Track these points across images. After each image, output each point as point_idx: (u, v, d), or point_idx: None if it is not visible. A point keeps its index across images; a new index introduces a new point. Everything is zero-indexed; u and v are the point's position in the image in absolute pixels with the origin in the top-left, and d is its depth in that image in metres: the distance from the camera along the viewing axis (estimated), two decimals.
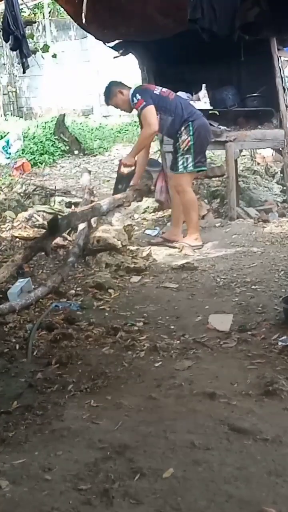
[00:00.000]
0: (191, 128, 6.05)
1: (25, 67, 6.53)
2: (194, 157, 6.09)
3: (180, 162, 6.14)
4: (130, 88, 6.22)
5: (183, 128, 6.07)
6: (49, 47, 10.87)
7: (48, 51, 10.49)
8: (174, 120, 6.07)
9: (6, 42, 6.38)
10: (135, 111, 6.40)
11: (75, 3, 5.90)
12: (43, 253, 5.44)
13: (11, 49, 6.54)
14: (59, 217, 5.82)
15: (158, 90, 6.20)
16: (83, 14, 5.81)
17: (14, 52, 16.46)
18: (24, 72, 6.71)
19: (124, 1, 6.39)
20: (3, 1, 6.35)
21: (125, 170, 6.36)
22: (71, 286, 5.01)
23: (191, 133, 6.06)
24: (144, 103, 5.97)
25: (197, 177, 7.71)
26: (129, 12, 6.31)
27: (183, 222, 6.45)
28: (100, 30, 6.98)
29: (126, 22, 6.50)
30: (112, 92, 6.28)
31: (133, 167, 6.36)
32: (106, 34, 7.22)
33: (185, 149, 6.08)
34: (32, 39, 13.51)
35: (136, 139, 6.96)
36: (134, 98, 6.03)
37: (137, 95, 6.03)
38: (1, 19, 6.68)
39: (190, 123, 6.06)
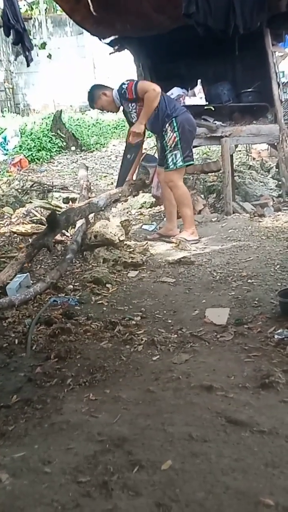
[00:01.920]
0: (175, 124, 6.07)
1: (28, 60, 6.53)
2: (182, 152, 6.11)
3: (170, 159, 6.15)
4: (112, 88, 6.21)
5: (167, 125, 6.09)
6: (46, 44, 10.86)
7: (45, 48, 10.49)
8: (158, 115, 6.07)
9: (7, 36, 6.37)
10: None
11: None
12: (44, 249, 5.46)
13: (13, 43, 6.53)
14: (57, 212, 5.83)
15: None
16: (92, 8, 5.81)
17: (11, 49, 16.55)
18: (28, 66, 6.71)
19: None
20: None
21: (133, 139, 6.35)
22: (69, 281, 5.04)
23: (175, 129, 6.07)
24: (134, 82, 6.05)
25: (193, 172, 7.75)
26: (124, 9, 6.32)
27: (179, 217, 6.47)
28: (95, 26, 7.00)
29: (122, 18, 6.51)
30: (95, 95, 6.30)
31: (142, 137, 6.35)
32: (102, 30, 7.24)
33: (173, 145, 6.10)
34: (30, 34, 13.52)
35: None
36: (123, 86, 6.02)
37: (124, 83, 6.05)
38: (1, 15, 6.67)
39: (173, 119, 6.07)
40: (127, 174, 6.62)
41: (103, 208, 6.07)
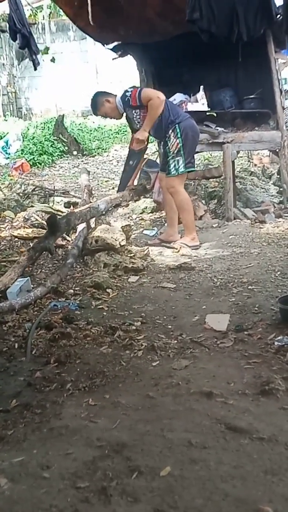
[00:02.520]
0: (178, 130, 6.07)
1: (35, 64, 6.53)
2: (184, 158, 6.11)
3: (172, 165, 6.16)
4: (115, 95, 6.22)
5: (170, 131, 6.09)
6: (48, 48, 10.87)
7: (47, 53, 10.50)
8: (161, 121, 6.08)
9: (14, 41, 6.38)
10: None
11: (74, 5, 5.93)
12: (45, 253, 5.46)
13: (20, 47, 6.52)
14: (58, 215, 5.83)
15: None
16: (90, 16, 5.82)
17: (14, 53, 16.59)
18: (35, 69, 6.72)
19: (123, 3, 6.41)
20: (5, 1, 6.34)
21: (136, 146, 6.36)
22: (70, 286, 5.04)
23: (178, 135, 6.08)
24: (138, 89, 6.04)
25: (195, 177, 7.75)
26: (128, 14, 6.34)
27: (180, 222, 6.47)
28: (99, 32, 7.01)
29: (125, 24, 6.53)
30: (98, 102, 6.29)
31: (144, 144, 6.36)
32: (105, 36, 7.26)
33: (175, 151, 6.11)
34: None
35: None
36: (127, 94, 6.02)
37: (128, 90, 6.06)
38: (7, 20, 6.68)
39: (176, 125, 6.07)
40: (128, 180, 6.64)
41: (103, 213, 6.08)
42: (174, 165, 6.15)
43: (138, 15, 6.74)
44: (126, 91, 6.07)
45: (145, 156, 7.15)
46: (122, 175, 6.84)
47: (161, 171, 6.57)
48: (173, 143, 6.11)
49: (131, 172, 6.62)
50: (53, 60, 10.99)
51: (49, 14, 17.12)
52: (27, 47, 6.26)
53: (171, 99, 7.13)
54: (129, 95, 6.00)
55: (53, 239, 5.34)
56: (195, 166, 6.57)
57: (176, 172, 6.16)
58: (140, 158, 6.55)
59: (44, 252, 5.30)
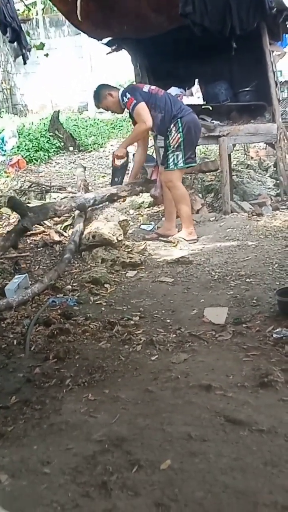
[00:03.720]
0: (180, 124, 6.06)
1: (25, 58, 6.51)
2: (184, 153, 6.11)
3: (171, 159, 6.16)
4: (119, 89, 6.23)
5: (172, 125, 6.09)
6: (44, 45, 10.84)
7: (42, 49, 10.47)
8: (164, 117, 6.08)
9: (4, 34, 6.35)
10: (126, 112, 6.42)
11: (68, 1, 5.91)
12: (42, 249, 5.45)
13: (9, 41, 6.49)
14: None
15: (147, 88, 6.21)
16: (78, 12, 5.80)
17: (8, 49, 16.53)
18: (25, 63, 6.70)
19: None
20: None
21: (118, 162, 6.41)
22: (68, 282, 5.04)
23: (180, 130, 6.07)
24: (135, 101, 5.98)
25: (191, 171, 7.75)
26: (122, 10, 6.33)
27: (177, 217, 6.48)
28: (93, 28, 6.99)
29: (120, 20, 6.52)
30: (101, 95, 6.29)
31: (125, 158, 6.39)
32: (99, 32, 7.24)
33: (175, 146, 6.10)
34: (28, 35, 13.53)
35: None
36: (124, 98, 6.04)
37: (127, 94, 6.04)
38: None
39: (178, 119, 6.07)
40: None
41: (91, 206, 6.10)
42: (173, 160, 6.15)
43: (132, 10, 6.72)
44: (125, 94, 6.06)
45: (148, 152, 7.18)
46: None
47: (162, 165, 6.56)
48: (174, 137, 6.10)
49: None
50: (46, 55, 10.94)
51: (43, 9, 17.06)
52: (17, 41, 6.24)
53: None
54: (126, 100, 6.01)
55: (28, 220, 5.29)
56: (196, 162, 6.53)
57: (175, 166, 6.16)
58: (123, 173, 6.61)
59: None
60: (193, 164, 6.43)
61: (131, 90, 6.12)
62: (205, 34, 6.43)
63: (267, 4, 6.55)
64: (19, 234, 5.23)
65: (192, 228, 6.31)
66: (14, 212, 6.23)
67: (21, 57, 6.43)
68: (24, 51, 6.31)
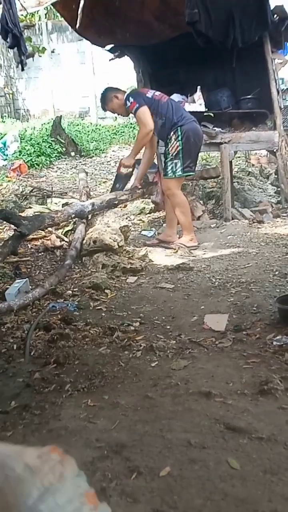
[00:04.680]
0: (179, 133, 6.08)
1: (23, 64, 6.54)
2: (182, 162, 6.11)
3: (169, 167, 6.17)
4: (125, 92, 6.27)
5: (172, 133, 6.10)
6: (45, 49, 10.88)
7: (44, 53, 10.51)
8: (165, 124, 6.10)
9: (5, 40, 6.37)
10: (132, 115, 6.45)
11: (72, 9, 5.93)
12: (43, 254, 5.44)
13: (9, 47, 6.52)
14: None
15: (151, 93, 6.23)
16: (79, 20, 5.82)
17: (12, 54, 16.56)
18: (22, 70, 6.73)
19: (120, 6, 6.41)
20: None
21: (124, 170, 6.47)
22: (68, 287, 5.04)
23: (179, 138, 6.08)
24: (137, 105, 6.01)
25: (193, 178, 7.75)
26: (125, 18, 6.35)
27: (178, 223, 6.48)
28: (96, 36, 7.02)
29: (123, 27, 6.54)
30: (107, 97, 6.35)
31: (131, 169, 6.43)
32: (103, 39, 7.26)
33: (174, 154, 6.11)
34: (30, 41, 13.55)
35: (133, 141, 7.01)
36: (128, 102, 6.08)
37: (130, 98, 6.09)
38: None
39: (179, 128, 6.08)
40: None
41: (90, 213, 6.11)
42: (172, 168, 6.15)
43: (135, 18, 6.74)
44: (128, 98, 6.11)
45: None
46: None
47: (162, 171, 6.57)
48: (173, 145, 6.11)
49: None
50: (52, 51, 10.95)
51: (45, 15, 17.09)
52: (17, 46, 6.26)
53: None
54: (129, 104, 6.07)
55: (24, 227, 5.25)
56: (195, 170, 6.53)
57: (173, 174, 6.16)
58: (126, 182, 6.68)
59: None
60: (192, 173, 6.42)
61: (135, 95, 6.17)
62: (208, 45, 6.45)
63: (269, 18, 6.59)
64: (17, 240, 5.22)
65: (193, 234, 6.31)
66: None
67: (25, 63, 6.45)
68: (22, 57, 6.34)
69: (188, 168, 6.20)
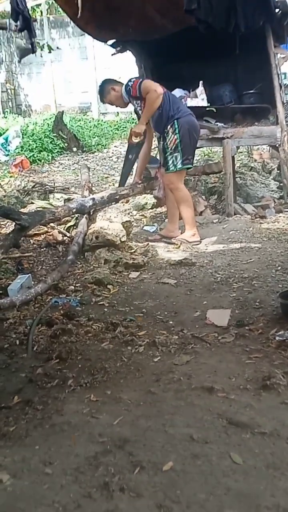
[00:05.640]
0: (176, 126, 6.06)
1: (34, 47, 6.50)
2: (182, 154, 6.10)
3: (170, 161, 6.15)
4: (122, 84, 6.24)
5: (169, 126, 6.08)
6: (51, 47, 10.89)
7: (50, 51, 10.53)
8: (162, 115, 6.08)
9: (16, 21, 6.33)
10: (130, 107, 6.42)
11: (74, 4, 5.90)
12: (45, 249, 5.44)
13: (20, 29, 6.47)
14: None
15: None
16: (79, 13, 5.80)
17: (13, 49, 16.53)
18: (33, 53, 6.70)
19: (122, 1, 6.39)
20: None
21: (135, 140, 6.39)
22: (71, 282, 5.04)
23: (176, 131, 6.06)
24: (139, 81, 6.10)
25: (195, 173, 7.75)
26: (127, 12, 6.32)
27: (180, 218, 6.47)
28: (98, 31, 6.99)
29: (125, 22, 6.52)
30: (105, 89, 6.36)
31: (142, 137, 6.37)
32: (105, 34, 7.24)
33: (173, 147, 6.10)
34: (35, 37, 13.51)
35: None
36: (129, 83, 6.08)
37: (130, 81, 6.10)
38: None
39: (175, 121, 6.06)
40: (128, 174, 6.68)
41: (91, 209, 6.10)
42: (172, 161, 6.14)
43: (137, 13, 6.72)
44: (130, 80, 6.13)
45: (151, 153, 7.17)
46: (123, 170, 6.90)
47: (163, 166, 6.56)
48: (171, 139, 6.10)
49: (130, 166, 6.72)
50: (50, 49, 10.95)
51: (47, 10, 17.06)
52: (27, 29, 6.23)
53: None
54: (130, 84, 6.07)
55: (25, 220, 5.24)
56: (193, 163, 6.51)
57: (174, 168, 6.15)
58: (139, 151, 6.55)
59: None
60: (190, 166, 6.39)
61: (132, 79, 6.19)
62: (209, 31, 6.40)
63: (272, 3, 6.54)
64: (18, 233, 5.21)
65: (195, 229, 6.31)
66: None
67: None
68: (33, 40, 6.30)
69: (187, 161, 6.19)
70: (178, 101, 6.43)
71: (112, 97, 6.33)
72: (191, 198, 6.53)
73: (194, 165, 6.63)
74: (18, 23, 6.24)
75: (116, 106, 6.65)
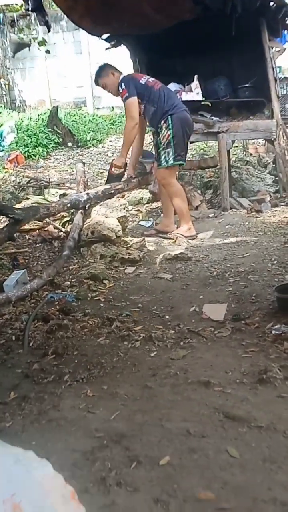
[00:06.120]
0: (170, 122, 6.06)
1: (48, 25, 6.41)
2: (174, 150, 6.09)
3: (162, 157, 6.15)
4: (121, 73, 6.21)
5: (162, 121, 6.09)
6: (45, 41, 10.83)
7: (45, 46, 10.47)
8: (156, 111, 6.08)
9: (27, 1, 6.20)
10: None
11: None
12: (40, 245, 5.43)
13: (32, 9, 6.32)
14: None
15: (144, 80, 6.18)
16: (75, 10, 5.75)
17: (7, 43, 16.44)
18: (49, 31, 6.63)
19: None
20: None
21: (115, 171, 6.44)
22: (66, 278, 5.04)
23: (170, 127, 6.06)
24: (127, 94, 6.02)
25: (190, 168, 7.75)
26: (122, 7, 6.27)
27: (175, 213, 6.46)
28: (93, 25, 6.95)
29: (119, 17, 6.46)
30: (105, 70, 6.29)
31: (122, 169, 6.41)
32: (99, 29, 7.20)
33: (166, 143, 6.10)
34: (29, 29, 13.46)
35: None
36: (120, 87, 6.06)
37: (122, 84, 6.06)
38: None
39: (169, 116, 6.06)
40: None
41: (85, 205, 6.09)
42: (165, 157, 6.14)
43: (132, 8, 6.68)
44: (121, 84, 6.08)
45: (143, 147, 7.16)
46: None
47: (156, 161, 6.56)
48: (164, 135, 6.10)
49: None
50: (48, 51, 10.94)
51: None
52: (39, 9, 6.11)
53: None
54: (121, 90, 6.07)
55: (18, 214, 5.26)
56: (185, 159, 6.49)
57: (166, 163, 6.15)
58: (118, 182, 6.57)
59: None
60: (182, 163, 6.38)
61: (127, 82, 6.10)
62: (206, 12, 6.35)
63: None
64: (12, 227, 5.21)
65: (191, 223, 6.30)
66: None
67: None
68: (46, 18, 6.19)
69: (179, 157, 6.18)
70: (174, 97, 6.41)
71: (109, 80, 6.26)
72: (184, 192, 6.53)
73: (189, 159, 6.64)
74: (29, 3, 6.09)
75: (108, 91, 6.51)
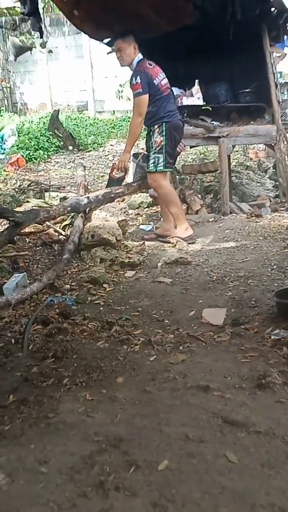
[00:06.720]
0: (164, 128, 6.08)
1: (42, 31, 6.38)
2: (165, 157, 6.12)
3: (152, 161, 6.17)
4: (139, 53, 6.16)
5: (156, 126, 6.10)
6: (46, 42, 10.86)
7: (45, 47, 10.50)
8: (154, 112, 6.09)
9: (24, 5, 6.17)
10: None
11: (70, 2, 5.87)
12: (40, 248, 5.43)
13: (27, 14, 6.29)
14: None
15: (158, 80, 6.10)
16: (75, 12, 5.76)
17: (8, 46, 16.48)
18: (41, 37, 6.59)
19: (118, 0, 6.35)
20: None
21: (116, 174, 6.42)
22: (66, 281, 5.04)
23: (163, 134, 6.09)
24: (140, 90, 5.98)
25: (191, 172, 7.76)
26: (123, 11, 6.28)
27: None
28: (94, 29, 6.97)
29: (121, 21, 6.47)
30: (130, 38, 6.14)
31: (123, 173, 6.40)
32: (101, 33, 7.21)
33: (157, 149, 6.12)
34: (30, 34, 13.48)
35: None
36: (134, 79, 6.00)
37: (138, 78, 5.98)
38: None
39: (163, 123, 6.08)
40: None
41: (86, 208, 6.09)
42: (154, 162, 6.16)
43: (133, 12, 6.70)
44: (136, 76, 6.00)
45: (139, 151, 7.16)
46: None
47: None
48: (156, 139, 6.12)
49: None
50: (50, 51, 10.96)
51: (43, 8, 17.02)
52: (34, 14, 6.09)
53: None
54: (134, 83, 5.99)
55: (18, 217, 5.26)
56: (172, 168, 6.56)
57: (155, 168, 6.17)
58: (118, 186, 6.53)
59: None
60: (170, 169, 6.49)
61: (143, 77, 6.01)
62: (205, 17, 6.35)
63: None
64: (12, 230, 5.21)
65: (187, 223, 6.31)
66: None
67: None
68: (41, 24, 6.18)
69: (168, 164, 6.25)
70: (174, 104, 6.41)
71: (127, 50, 6.12)
72: (175, 193, 6.57)
73: (190, 164, 6.64)
74: (26, 7, 6.06)
75: (118, 58, 6.31)
